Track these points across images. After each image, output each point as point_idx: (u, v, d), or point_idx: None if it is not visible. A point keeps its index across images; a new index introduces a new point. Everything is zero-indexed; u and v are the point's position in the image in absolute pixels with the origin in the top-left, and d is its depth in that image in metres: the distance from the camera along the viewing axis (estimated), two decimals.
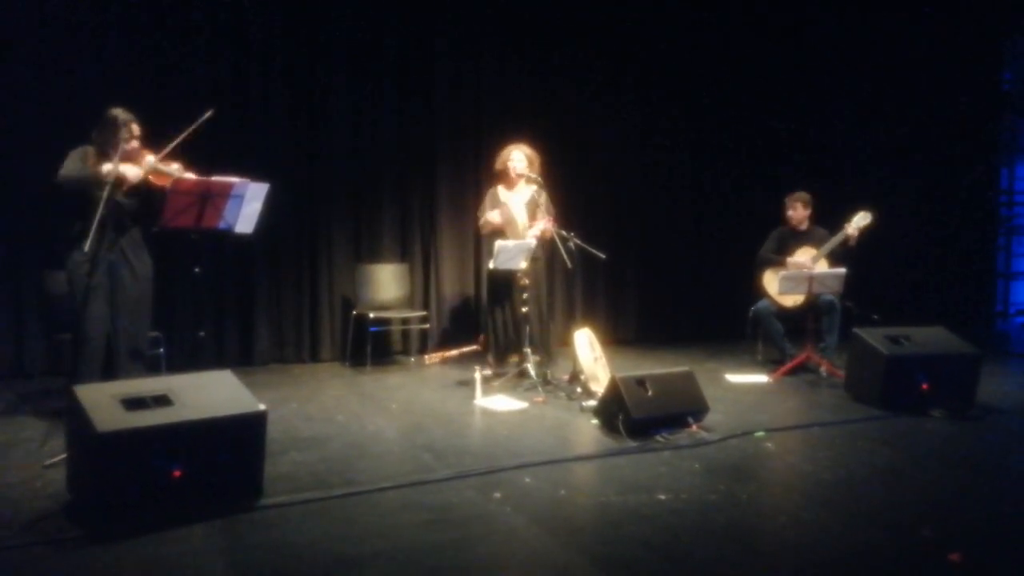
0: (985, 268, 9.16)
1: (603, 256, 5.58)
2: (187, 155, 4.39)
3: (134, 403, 3.23)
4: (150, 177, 4.22)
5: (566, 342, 6.22)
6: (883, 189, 7.88)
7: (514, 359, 5.75)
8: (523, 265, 5.43)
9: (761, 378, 5.93)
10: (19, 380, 5.75)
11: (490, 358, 5.85)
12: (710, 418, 4.56)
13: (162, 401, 3.28)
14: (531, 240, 5.43)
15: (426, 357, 6.47)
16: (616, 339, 7.69)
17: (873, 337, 5.10)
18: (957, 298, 8.53)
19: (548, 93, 7.37)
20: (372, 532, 3.08)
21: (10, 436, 4.34)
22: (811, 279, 5.69)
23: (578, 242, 5.50)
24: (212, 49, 6.29)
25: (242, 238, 5.02)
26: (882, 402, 4.95)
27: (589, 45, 7.54)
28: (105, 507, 3.12)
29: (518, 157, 5.71)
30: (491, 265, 5.37)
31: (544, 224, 5.50)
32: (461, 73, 7.14)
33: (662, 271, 7.96)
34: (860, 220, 5.82)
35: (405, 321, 6.86)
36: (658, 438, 4.23)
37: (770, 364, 6.32)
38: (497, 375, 5.66)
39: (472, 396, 5.23)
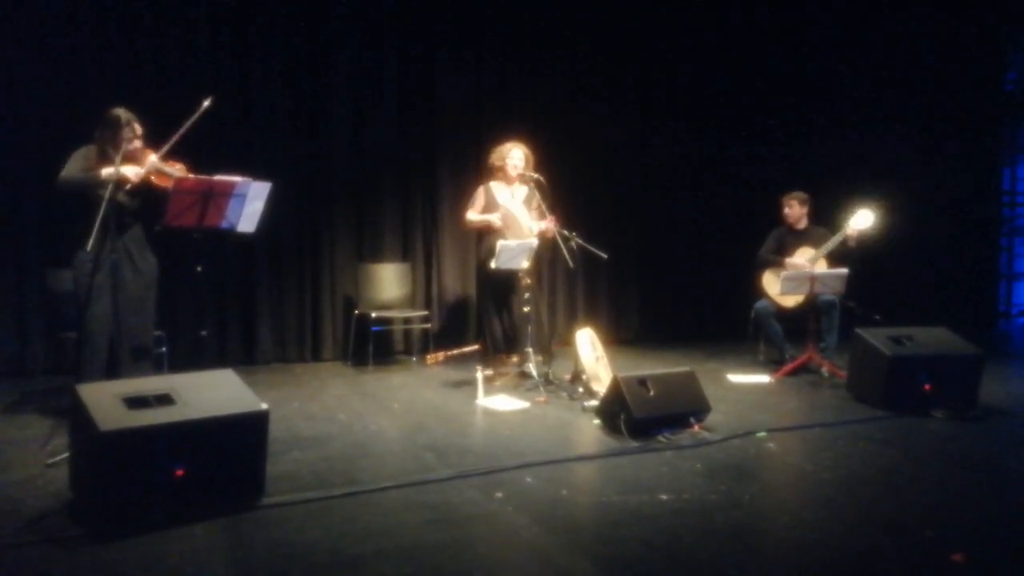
0: (987, 269, 9.17)
1: (604, 256, 5.58)
2: (189, 155, 4.41)
3: (137, 402, 3.23)
4: (152, 177, 4.22)
5: (568, 342, 6.21)
6: (885, 189, 7.86)
7: (514, 359, 5.74)
8: (525, 265, 5.43)
9: (763, 378, 5.93)
10: (22, 378, 5.77)
11: (488, 358, 5.81)
12: (712, 418, 4.56)
13: (164, 400, 3.28)
14: (533, 240, 5.41)
15: (428, 357, 6.47)
16: (618, 339, 7.69)
17: (875, 337, 5.10)
18: (959, 299, 8.53)
19: (548, 93, 7.38)
20: (374, 531, 3.08)
21: (13, 434, 4.35)
22: (813, 279, 5.69)
23: (580, 242, 5.50)
24: (212, 49, 6.30)
25: (244, 237, 5.05)
26: (884, 402, 4.94)
27: (589, 45, 7.54)
28: (107, 506, 3.12)
29: (518, 156, 5.69)
30: (493, 265, 5.34)
31: (547, 224, 5.50)
32: (461, 73, 7.14)
33: (663, 271, 7.96)
34: (859, 219, 5.79)
35: (407, 321, 6.87)
36: (660, 438, 4.23)
37: (772, 364, 6.32)
38: (499, 375, 5.65)
39: (474, 396, 5.23)
